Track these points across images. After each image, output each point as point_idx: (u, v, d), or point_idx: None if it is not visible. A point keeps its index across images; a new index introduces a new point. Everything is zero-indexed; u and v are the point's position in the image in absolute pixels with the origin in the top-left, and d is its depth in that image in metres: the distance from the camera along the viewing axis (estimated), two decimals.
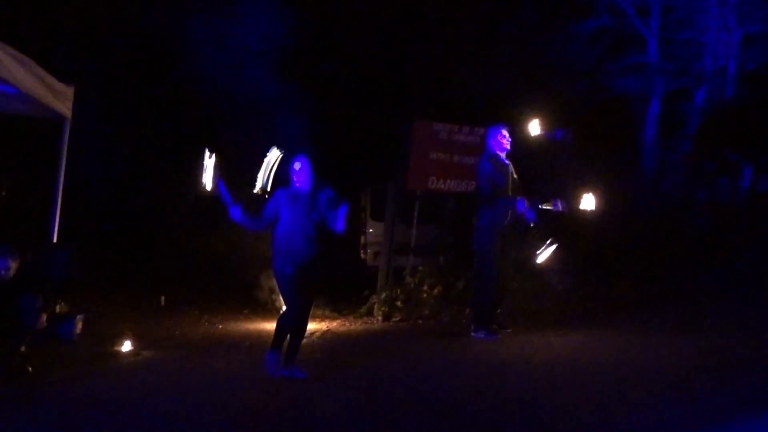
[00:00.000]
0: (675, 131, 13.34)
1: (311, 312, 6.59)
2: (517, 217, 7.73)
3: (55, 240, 7.89)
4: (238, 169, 6.82)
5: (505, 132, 7.92)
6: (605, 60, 13.14)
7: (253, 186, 6.47)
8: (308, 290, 6.19)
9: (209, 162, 6.18)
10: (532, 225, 8.15)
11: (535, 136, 8.25)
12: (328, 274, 6.51)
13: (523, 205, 7.63)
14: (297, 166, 6.19)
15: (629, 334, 7.78)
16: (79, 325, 7.75)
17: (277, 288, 6.86)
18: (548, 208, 7.90)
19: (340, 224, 5.99)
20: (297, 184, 6.18)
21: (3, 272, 6.24)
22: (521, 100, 12.15)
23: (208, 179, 6.15)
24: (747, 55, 12.72)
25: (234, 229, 6.45)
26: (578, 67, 12.94)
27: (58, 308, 7.71)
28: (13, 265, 6.28)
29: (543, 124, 8.22)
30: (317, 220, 6.12)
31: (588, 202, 7.92)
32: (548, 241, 7.91)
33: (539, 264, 8.03)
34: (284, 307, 6.46)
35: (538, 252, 8.01)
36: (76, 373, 6.36)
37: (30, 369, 6.11)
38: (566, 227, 9.65)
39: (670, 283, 10.15)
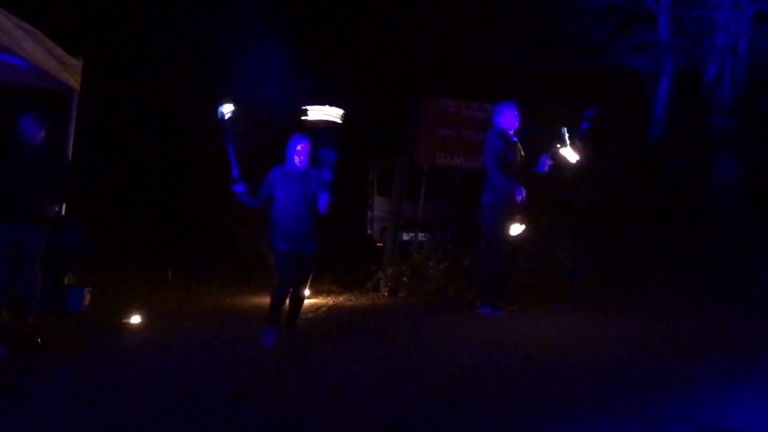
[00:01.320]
0: (685, 109, 13.26)
1: (317, 286, 6.75)
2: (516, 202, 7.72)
3: (63, 213, 7.92)
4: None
5: (514, 108, 7.90)
6: (616, 36, 13.03)
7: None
8: (301, 265, 6.47)
9: (228, 110, 6.39)
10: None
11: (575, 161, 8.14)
12: (325, 249, 6.72)
13: (521, 195, 7.65)
14: (299, 146, 6.46)
15: (635, 315, 7.79)
16: (88, 297, 7.82)
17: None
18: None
19: (322, 207, 6.36)
20: (297, 163, 6.47)
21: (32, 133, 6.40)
22: (531, 75, 12.11)
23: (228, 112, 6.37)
24: (758, 32, 12.60)
25: (241, 204, 6.56)
26: (589, 43, 12.83)
27: (66, 280, 7.78)
28: (42, 126, 6.46)
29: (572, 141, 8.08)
30: (310, 198, 6.42)
31: (568, 154, 7.95)
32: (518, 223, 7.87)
33: (513, 237, 7.92)
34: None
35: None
36: (84, 344, 6.43)
37: (39, 340, 6.17)
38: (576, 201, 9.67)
39: (680, 261, 10.11)
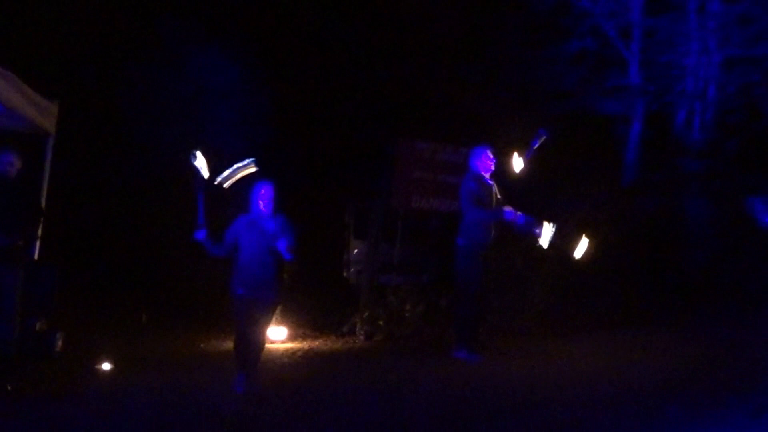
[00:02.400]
0: (657, 152, 13.47)
1: (293, 331, 6.66)
2: (508, 226, 7.72)
3: (36, 257, 7.84)
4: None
5: (489, 152, 7.98)
6: (588, 81, 13.25)
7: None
8: (258, 312, 6.33)
9: (199, 162, 6.30)
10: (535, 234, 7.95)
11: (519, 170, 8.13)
12: (301, 293, 6.64)
13: (510, 214, 7.64)
14: (262, 191, 6.34)
15: (610, 352, 7.84)
16: (60, 343, 7.70)
17: None
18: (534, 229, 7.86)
19: (283, 250, 6.19)
20: (262, 208, 6.32)
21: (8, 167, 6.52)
22: (505, 119, 12.24)
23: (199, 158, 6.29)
24: (726, 77, 12.88)
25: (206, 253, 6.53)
26: (561, 88, 13.03)
27: (38, 325, 7.66)
28: (17, 163, 6.56)
29: (521, 153, 8.09)
30: (273, 245, 6.24)
31: (581, 248, 7.82)
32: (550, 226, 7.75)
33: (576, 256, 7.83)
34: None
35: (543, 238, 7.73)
36: (55, 390, 6.32)
37: (9, 387, 6.06)
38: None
39: (653, 302, 10.23)
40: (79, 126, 10.74)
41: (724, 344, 8.16)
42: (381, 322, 9.52)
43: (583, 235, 7.76)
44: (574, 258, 7.79)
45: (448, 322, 8.87)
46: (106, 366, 7.18)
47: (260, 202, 6.33)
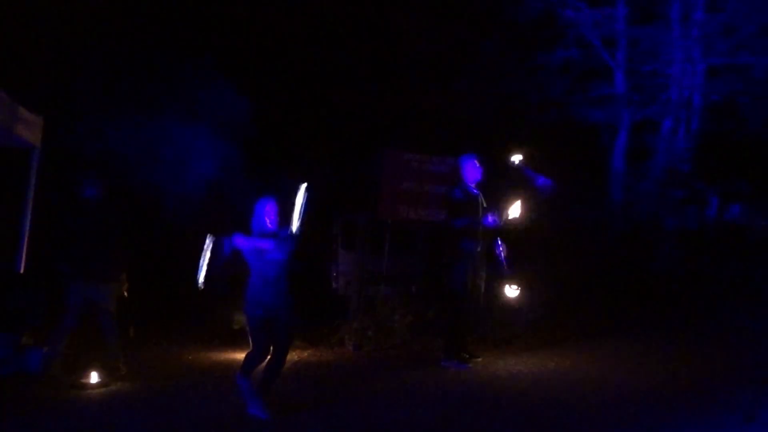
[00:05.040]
0: (643, 160, 13.56)
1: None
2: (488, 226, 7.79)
3: (22, 271, 7.80)
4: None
5: (475, 162, 8.00)
6: (573, 91, 13.33)
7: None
8: (280, 333, 6.13)
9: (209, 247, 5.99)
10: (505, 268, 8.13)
11: (514, 167, 8.25)
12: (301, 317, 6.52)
13: (491, 219, 7.71)
14: (267, 207, 6.18)
15: (598, 362, 7.86)
16: (46, 358, 7.64)
17: (244, 321, 6.72)
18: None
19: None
20: (269, 225, 6.13)
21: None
22: (492, 129, 12.30)
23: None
24: (711, 86, 12.99)
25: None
26: (547, 98, 13.11)
27: (23, 340, 7.61)
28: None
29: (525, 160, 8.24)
30: (286, 260, 6.09)
31: (515, 210, 7.85)
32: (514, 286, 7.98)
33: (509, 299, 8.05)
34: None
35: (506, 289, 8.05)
36: (40, 406, 6.28)
37: None
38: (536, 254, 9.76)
39: (638, 312, 10.28)
40: (67, 138, 10.68)
41: (713, 349, 8.20)
42: (370, 333, 9.50)
43: (519, 200, 7.81)
44: (508, 218, 7.84)
45: (437, 332, 8.86)
46: (93, 379, 7.12)
47: (266, 219, 6.16)
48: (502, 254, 8.00)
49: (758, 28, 12.19)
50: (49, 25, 12.11)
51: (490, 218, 7.72)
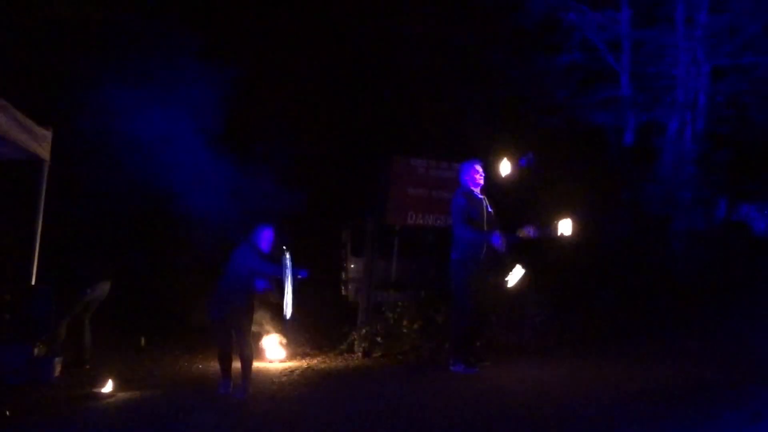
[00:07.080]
0: (650, 162, 13.56)
1: (292, 349, 6.76)
2: (493, 251, 7.81)
3: (33, 282, 7.88)
4: None
5: (478, 167, 8.04)
6: (579, 94, 13.36)
7: None
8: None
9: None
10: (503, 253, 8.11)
11: (506, 175, 8.29)
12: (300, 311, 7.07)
13: (498, 240, 7.71)
14: (265, 233, 7.17)
15: (607, 364, 7.87)
16: (58, 367, 7.73)
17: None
18: (522, 235, 7.95)
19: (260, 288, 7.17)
20: (265, 249, 7.13)
21: None
22: (496, 134, 12.32)
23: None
24: (716, 87, 13.00)
25: (215, 270, 6.74)
26: (553, 101, 13.14)
27: (36, 350, 7.69)
28: None
29: (511, 160, 8.28)
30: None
31: (565, 226, 7.93)
32: (516, 267, 7.93)
33: (510, 288, 8.02)
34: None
35: (506, 278, 8.00)
36: (53, 415, 6.34)
37: (7, 413, 6.08)
38: (544, 255, 9.77)
39: (647, 312, 10.28)
40: (76, 151, 10.78)
41: (723, 348, 8.23)
42: (379, 339, 9.54)
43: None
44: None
45: (445, 337, 8.90)
46: (105, 388, 7.19)
47: (264, 244, 7.10)
48: (531, 232, 7.93)
49: (762, 28, 12.20)
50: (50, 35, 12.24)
51: (497, 239, 7.73)
